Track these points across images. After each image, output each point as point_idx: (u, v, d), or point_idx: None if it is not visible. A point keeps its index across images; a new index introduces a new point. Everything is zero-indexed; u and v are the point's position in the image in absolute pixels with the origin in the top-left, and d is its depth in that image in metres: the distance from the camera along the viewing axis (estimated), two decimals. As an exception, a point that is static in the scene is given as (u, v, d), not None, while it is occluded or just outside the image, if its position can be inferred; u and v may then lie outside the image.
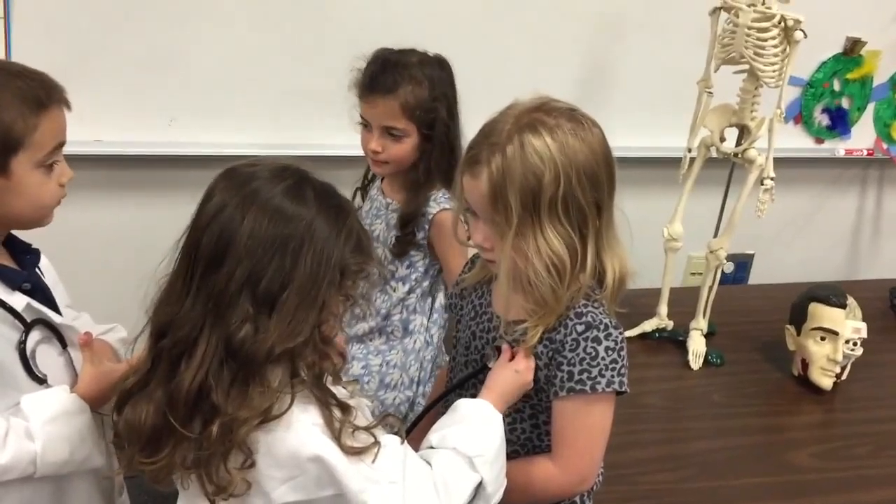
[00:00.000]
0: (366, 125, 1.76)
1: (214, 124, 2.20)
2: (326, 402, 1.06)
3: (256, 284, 1.03)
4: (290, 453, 1.04)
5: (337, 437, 1.05)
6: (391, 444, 1.12)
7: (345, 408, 1.08)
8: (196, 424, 1.05)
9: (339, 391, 1.11)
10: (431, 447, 1.18)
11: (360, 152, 1.82)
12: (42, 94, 1.21)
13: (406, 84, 1.70)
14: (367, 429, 1.09)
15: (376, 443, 1.08)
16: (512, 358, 1.27)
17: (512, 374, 1.25)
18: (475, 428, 1.19)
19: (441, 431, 1.20)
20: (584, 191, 1.15)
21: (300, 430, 1.04)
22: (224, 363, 1.04)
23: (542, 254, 1.15)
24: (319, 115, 1.90)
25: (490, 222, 1.18)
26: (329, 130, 1.86)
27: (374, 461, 1.07)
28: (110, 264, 2.22)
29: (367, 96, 1.73)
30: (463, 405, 1.23)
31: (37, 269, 1.34)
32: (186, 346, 1.05)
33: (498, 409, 1.22)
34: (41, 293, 1.31)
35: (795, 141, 2.81)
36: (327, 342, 1.11)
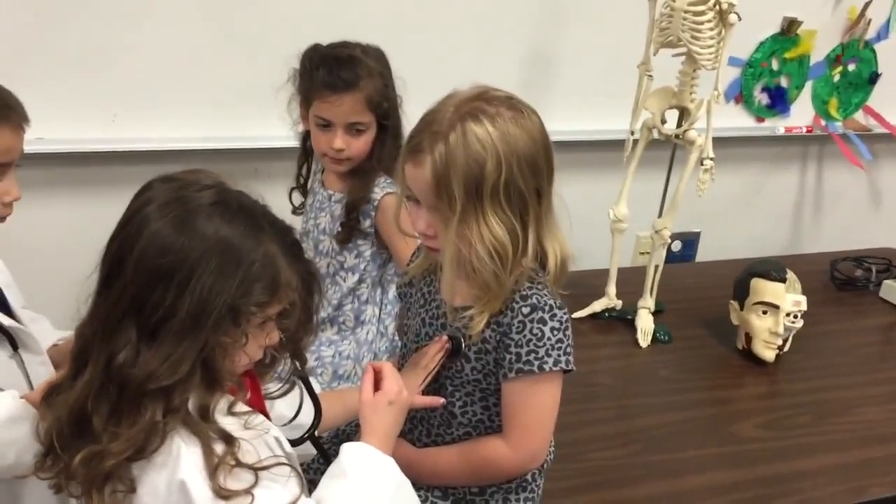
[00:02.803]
0: (326, 125, 1.72)
1: (157, 119, 2.19)
2: (206, 436, 1.00)
3: (140, 310, 0.99)
4: (167, 483, 1.00)
5: (212, 474, 0.98)
6: (274, 498, 1.02)
7: (229, 441, 1.01)
8: (77, 444, 1.01)
9: (235, 422, 1.04)
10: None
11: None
12: None
13: (365, 77, 1.69)
14: (254, 468, 1.00)
15: (249, 493, 0.99)
16: (376, 384, 1.23)
17: (385, 408, 1.21)
18: (359, 484, 1.12)
19: (322, 491, 1.11)
20: (525, 178, 1.17)
21: (178, 460, 1.00)
22: (105, 387, 1.00)
23: (485, 240, 1.17)
24: (260, 108, 1.91)
25: (433, 210, 1.20)
26: (270, 123, 1.86)
27: None
28: (57, 264, 2.15)
29: (329, 96, 1.69)
30: (345, 456, 1.15)
31: None
32: (82, 361, 1.02)
33: (385, 451, 1.17)
34: None
35: (737, 120, 2.87)
36: (216, 377, 1.04)
